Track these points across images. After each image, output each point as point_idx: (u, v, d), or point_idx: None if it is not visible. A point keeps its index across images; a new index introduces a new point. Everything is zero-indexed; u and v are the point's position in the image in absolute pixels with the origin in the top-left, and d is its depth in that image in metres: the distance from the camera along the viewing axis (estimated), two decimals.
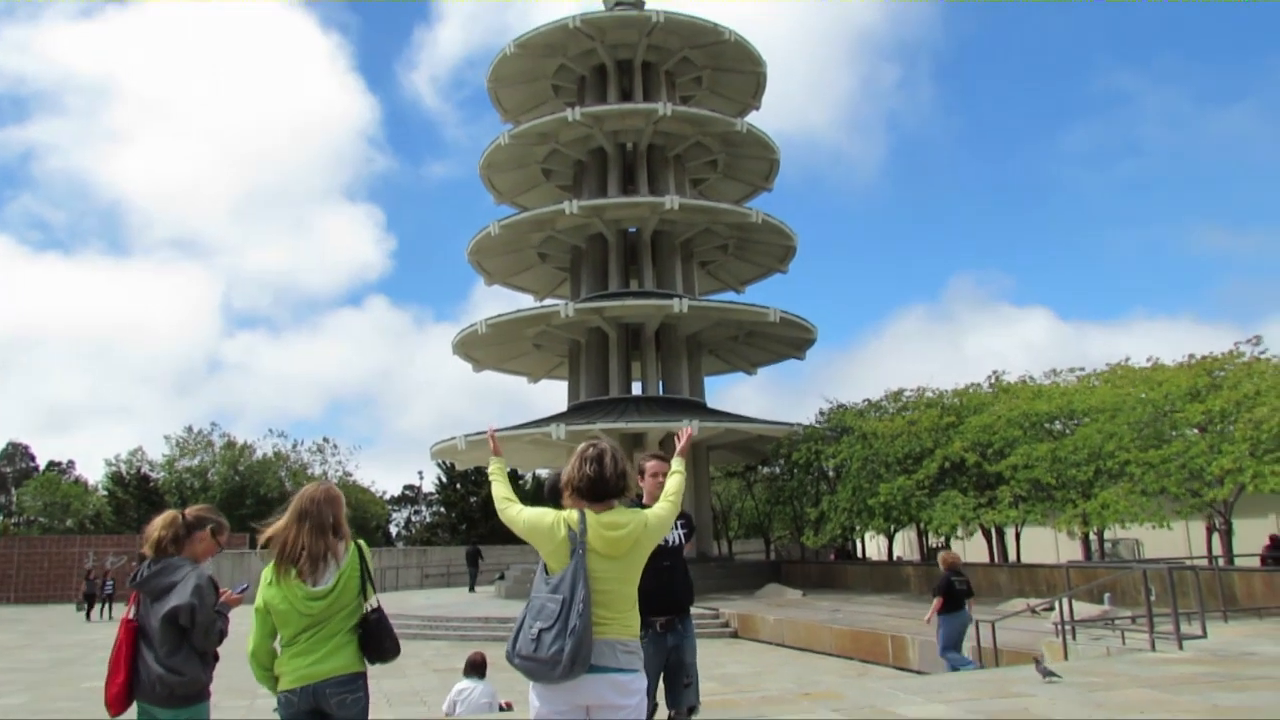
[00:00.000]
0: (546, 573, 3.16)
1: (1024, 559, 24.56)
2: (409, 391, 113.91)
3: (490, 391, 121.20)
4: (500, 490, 3.49)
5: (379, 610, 3.67)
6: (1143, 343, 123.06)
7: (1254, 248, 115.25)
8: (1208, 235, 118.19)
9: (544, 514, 3.21)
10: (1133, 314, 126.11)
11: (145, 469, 50.77)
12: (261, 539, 3.72)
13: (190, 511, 4.15)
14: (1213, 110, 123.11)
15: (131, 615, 3.94)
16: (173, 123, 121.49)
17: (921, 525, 24.96)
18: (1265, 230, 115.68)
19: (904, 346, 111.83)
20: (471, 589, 34.17)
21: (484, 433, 29.55)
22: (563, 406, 33.58)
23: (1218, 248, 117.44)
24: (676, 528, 4.80)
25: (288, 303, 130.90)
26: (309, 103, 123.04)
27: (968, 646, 12.66)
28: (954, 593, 10.16)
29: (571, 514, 3.17)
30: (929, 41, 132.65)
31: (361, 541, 3.78)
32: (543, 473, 42.16)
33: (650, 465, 4.54)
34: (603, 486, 3.19)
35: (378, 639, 3.63)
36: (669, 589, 4.70)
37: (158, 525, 4.03)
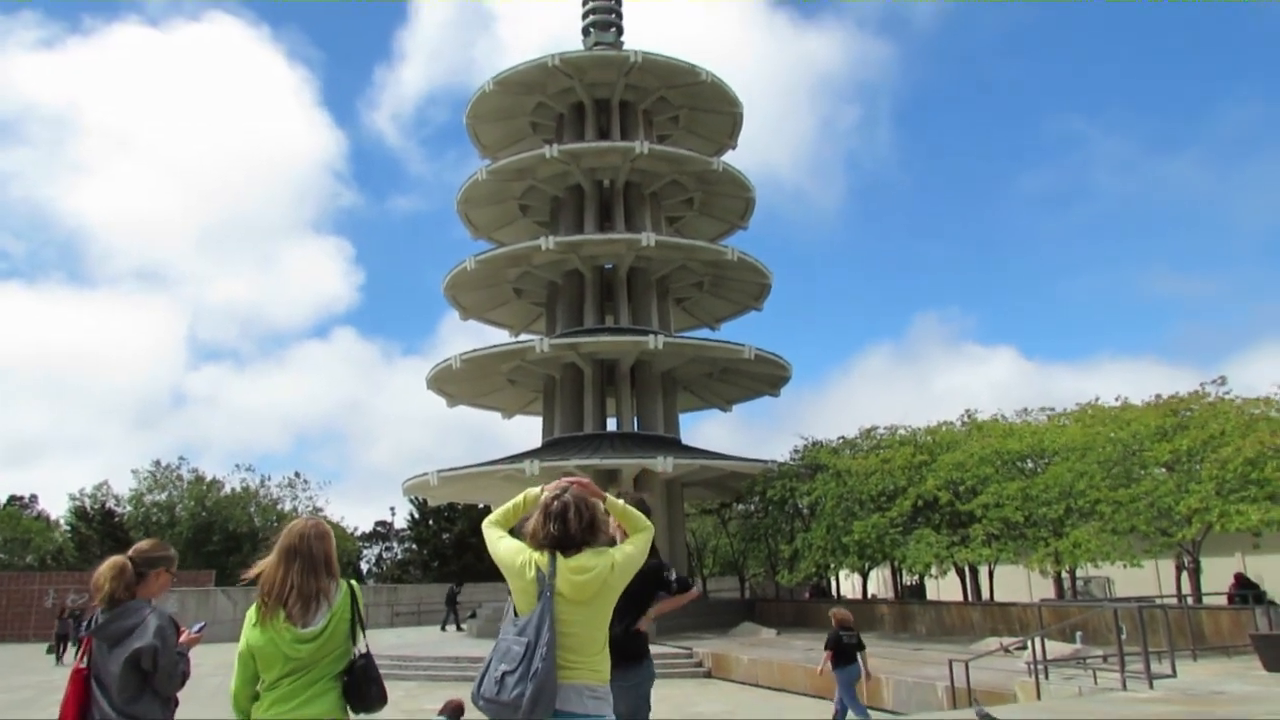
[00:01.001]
0: (515, 614, 3.14)
1: (997, 597, 24.63)
2: (377, 425, 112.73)
3: (461, 426, 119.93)
4: (496, 513, 3.41)
5: (366, 656, 3.49)
6: (1108, 382, 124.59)
7: (1207, 294, 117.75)
8: (1162, 279, 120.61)
9: (518, 552, 3.19)
10: (1097, 354, 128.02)
11: (110, 504, 49.79)
12: (248, 576, 3.53)
13: (138, 554, 3.99)
14: (1159, 158, 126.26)
15: (83, 663, 3.79)
16: (137, 153, 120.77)
17: (895, 563, 24.97)
18: (1215, 277, 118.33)
19: (872, 384, 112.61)
20: (443, 628, 33.68)
21: (459, 468, 28.78)
22: (535, 441, 33.44)
23: (1172, 292, 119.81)
24: None
25: (253, 335, 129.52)
26: (276, 136, 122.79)
27: (946, 687, 12.63)
28: (843, 647, 10.80)
29: (542, 556, 3.15)
30: (887, 84, 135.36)
31: (353, 581, 3.63)
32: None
33: None
34: (568, 542, 3.16)
35: (362, 687, 3.44)
36: None
37: (106, 576, 3.84)
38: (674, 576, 5.32)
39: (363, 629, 3.53)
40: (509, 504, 3.40)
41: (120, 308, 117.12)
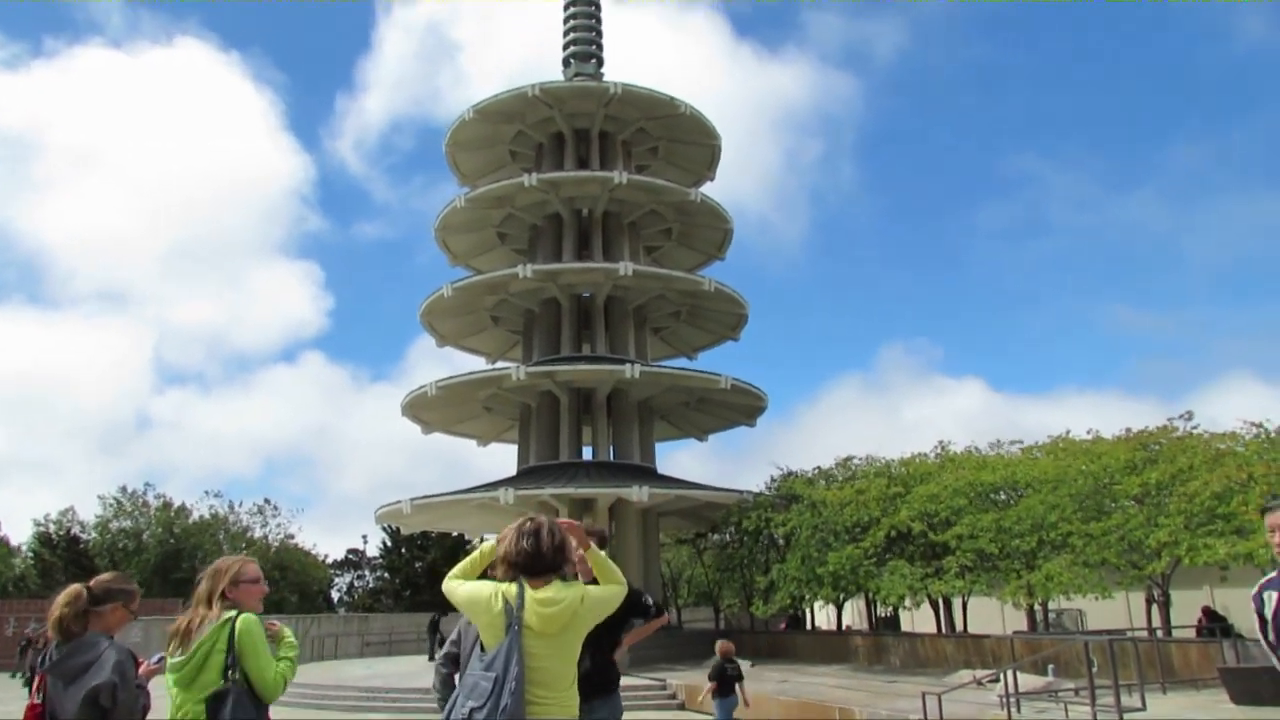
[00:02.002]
0: (482, 649, 3.11)
1: (971, 629, 24.63)
2: (347, 452, 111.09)
3: (432, 453, 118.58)
4: (455, 569, 3.39)
5: (220, 697, 3.34)
6: (1075, 415, 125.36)
7: (1167, 331, 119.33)
8: (1120, 313, 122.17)
9: (483, 585, 3.17)
10: (1064, 386, 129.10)
11: (76, 530, 48.81)
12: None
13: (97, 584, 3.89)
14: (1114, 195, 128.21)
15: (38, 699, 3.71)
16: (101, 174, 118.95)
17: (870, 595, 24.94)
18: (1171, 314, 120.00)
19: (841, 415, 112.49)
20: (431, 658, 33.11)
21: (432, 496, 28.35)
22: (508, 469, 33.30)
23: (1131, 327, 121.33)
24: None
25: (219, 358, 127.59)
26: (242, 158, 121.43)
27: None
28: (725, 678, 11.43)
29: (510, 587, 3.13)
30: (850, 118, 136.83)
31: (244, 617, 3.50)
32: (490, 537, 41.42)
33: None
34: (539, 562, 3.14)
35: None
36: None
37: (59, 604, 3.73)
38: (650, 601, 5.35)
39: (235, 673, 3.40)
40: (467, 559, 3.41)
41: (83, 329, 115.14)
